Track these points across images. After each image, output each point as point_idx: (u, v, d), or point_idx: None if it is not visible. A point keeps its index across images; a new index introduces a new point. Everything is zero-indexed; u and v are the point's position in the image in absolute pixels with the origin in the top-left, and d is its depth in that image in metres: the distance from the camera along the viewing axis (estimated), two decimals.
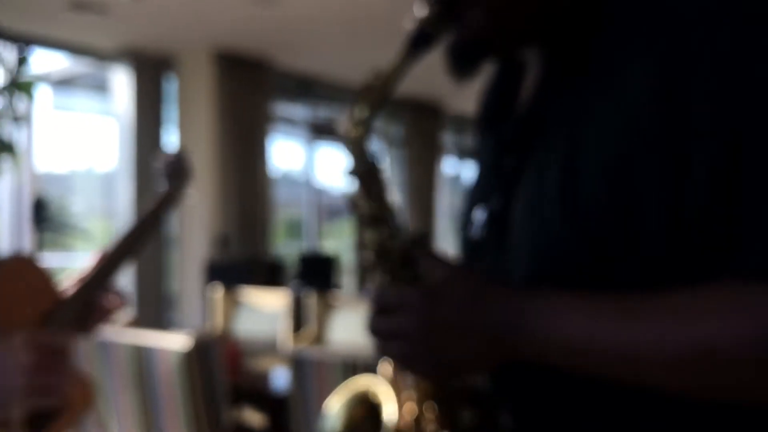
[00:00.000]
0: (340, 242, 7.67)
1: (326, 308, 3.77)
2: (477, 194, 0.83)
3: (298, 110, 6.94)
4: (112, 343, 2.60)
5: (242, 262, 5.73)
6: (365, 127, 0.77)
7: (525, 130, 0.76)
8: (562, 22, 0.74)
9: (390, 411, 0.78)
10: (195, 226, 5.93)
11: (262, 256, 6.00)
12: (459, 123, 8.57)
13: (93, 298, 1.38)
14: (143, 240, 1.48)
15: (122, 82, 5.84)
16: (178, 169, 1.51)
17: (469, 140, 8.95)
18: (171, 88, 6.07)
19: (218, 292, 4.11)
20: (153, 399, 2.55)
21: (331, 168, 7.41)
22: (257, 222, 6.04)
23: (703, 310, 0.61)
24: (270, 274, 5.63)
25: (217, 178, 5.87)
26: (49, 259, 6.41)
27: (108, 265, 1.43)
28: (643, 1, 0.68)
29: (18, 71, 4.84)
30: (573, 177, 0.67)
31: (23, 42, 5.04)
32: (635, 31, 0.67)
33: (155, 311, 5.94)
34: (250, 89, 5.96)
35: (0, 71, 4.75)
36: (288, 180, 7.19)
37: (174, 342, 2.47)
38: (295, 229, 7.26)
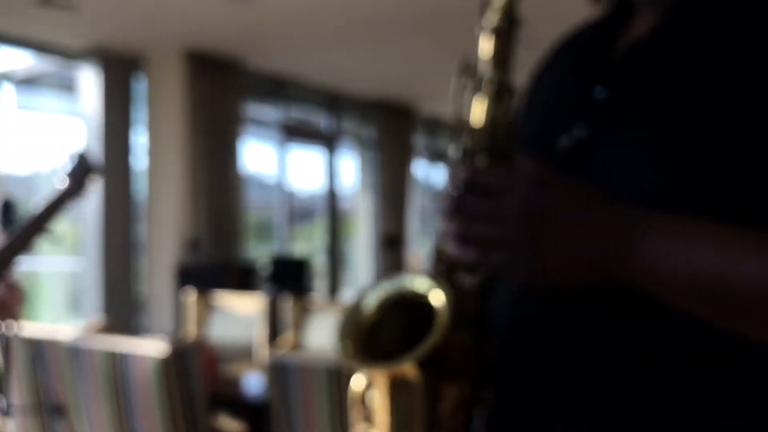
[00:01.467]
0: (310, 245, 7.62)
1: (302, 312, 3.71)
2: (551, 123, 0.77)
3: (269, 111, 6.88)
4: (85, 350, 2.52)
5: (213, 266, 5.65)
6: None
7: (638, 60, 0.72)
8: None
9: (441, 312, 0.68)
10: (164, 229, 5.85)
11: (233, 259, 5.93)
12: (431, 125, 8.57)
13: None
14: (37, 234, 1.58)
15: (90, 81, 5.73)
16: (80, 168, 1.62)
17: (440, 143, 8.95)
18: (140, 87, 5.98)
19: (191, 296, 4.03)
20: (128, 407, 2.47)
21: (302, 170, 7.36)
22: (228, 224, 5.98)
23: None
24: (241, 278, 5.56)
25: (187, 179, 5.81)
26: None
27: (1, 259, 1.51)
28: None
29: None
30: (720, 110, 0.64)
31: None
32: None
33: (124, 316, 5.84)
34: (222, 90, 5.90)
35: None
36: (259, 182, 7.12)
37: (150, 348, 2.39)
38: (265, 231, 7.19)
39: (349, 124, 7.72)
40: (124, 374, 2.44)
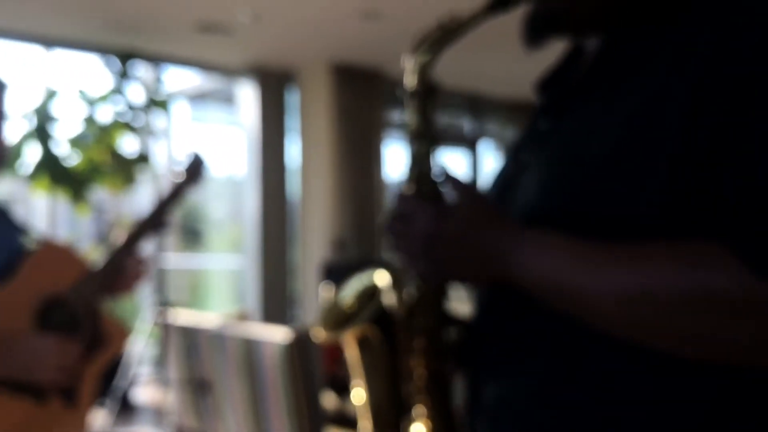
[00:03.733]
0: None
1: None
2: (512, 149, 0.96)
3: None
4: (225, 336, 2.89)
5: (356, 264, 5.94)
6: (433, 54, 0.87)
7: (563, 99, 0.87)
8: (630, 16, 0.81)
9: (388, 296, 0.93)
10: (315, 230, 6.22)
11: (376, 258, 6.22)
12: None
13: (120, 266, 1.78)
14: (160, 220, 1.86)
15: (248, 95, 6.25)
16: (194, 167, 1.90)
17: None
18: (293, 99, 6.40)
19: (327, 291, 4.38)
20: (260, 387, 2.82)
21: None
22: (372, 225, 6.25)
23: (658, 260, 0.68)
24: None
25: (335, 183, 6.12)
26: (187, 261, 6.94)
27: (131, 239, 1.82)
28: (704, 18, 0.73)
29: (155, 89, 5.34)
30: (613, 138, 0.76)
31: (158, 62, 5.53)
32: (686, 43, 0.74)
33: (281, 309, 6.31)
34: (365, 98, 6.17)
35: (140, 90, 5.26)
36: (402, 184, 7.37)
37: (277, 335, 2.72)
38: None
39: (492, 126, 7.82)
40: (256, 358, 2.80)
